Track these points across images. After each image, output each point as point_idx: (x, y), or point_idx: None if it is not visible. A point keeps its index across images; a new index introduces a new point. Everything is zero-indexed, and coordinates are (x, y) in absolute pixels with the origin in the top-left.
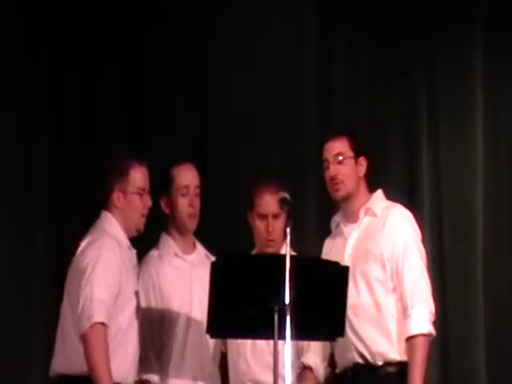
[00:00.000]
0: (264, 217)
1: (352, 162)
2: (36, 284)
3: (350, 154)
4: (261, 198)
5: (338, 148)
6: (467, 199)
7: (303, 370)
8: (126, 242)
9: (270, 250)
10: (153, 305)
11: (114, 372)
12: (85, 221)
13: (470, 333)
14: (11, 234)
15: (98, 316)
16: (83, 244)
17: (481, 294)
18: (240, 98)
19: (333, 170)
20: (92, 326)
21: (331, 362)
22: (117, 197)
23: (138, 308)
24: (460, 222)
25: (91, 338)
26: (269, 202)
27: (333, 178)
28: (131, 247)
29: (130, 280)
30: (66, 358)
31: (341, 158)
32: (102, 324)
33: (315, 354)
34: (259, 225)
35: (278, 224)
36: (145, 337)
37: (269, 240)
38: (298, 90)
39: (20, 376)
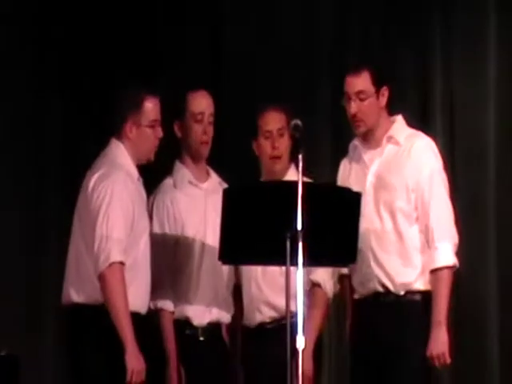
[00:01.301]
0: (269, 134)
1: (374, 97)
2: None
3: (372, 90)
4: (265, 115)
5: (360, 85)
6: (480, 129)
7: (312, 287)
8: (136, 173)
9: (277, 168)
10: (167, 232)
11: (130, 302)
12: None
13: (481, 263)
14: (23, 163)
15: (115, 255)
16: (95, 177)
17: (493, 224)
18: (255, 26)
19: (354, 107)
20: (110, 266)
21: (347, 287)
22: (129, 129)
23: (150, 238)
24: (472, 152)
25: (109, 278)
26: (273, 118)
27: (354, 115)
28: (140, 177)
29: (141, 212)
30: (82, 287)
31: (362, 95)
32: (120, 263)
33: (323, 270)
34: (264, 144)
35: (284, 141)
36: (159, 264)
37: (274, 157)
38: (314, 16)
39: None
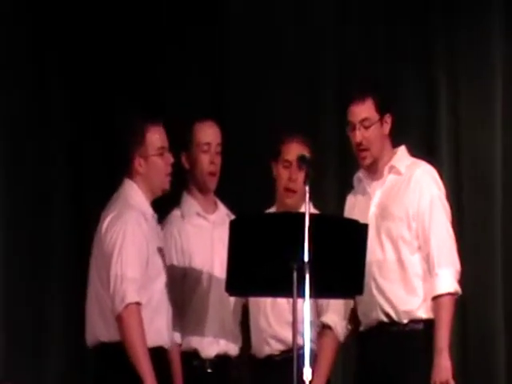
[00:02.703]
0: (289, 164)
1: (378, 124)
2: (54, 259)
3: (376, 117)
4: (288, 144)
5: (364, 113)
6: (486, 153)
7: (322, 329)
8: (150, 211)
9: (289, 201)
10: (175, 264)
11: (154, 337)
12: (103, 187)
13: (488, 287)
14: (29, 204)
15: (131, 296)
16: (108, 219)
17: (499, 248)
18: (257, 52)
19: (359, 135)
20: (126, 307)
21: (354, 320)
22: (138, 163)
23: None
24: (479, 177)
25: (126, 319)
26: (295, 149)
27: (359, 144)
28: (154, 214)
29: (157, 250)
30: (107, 327)
31: (366, 123)
32: (136, 303)
33: (335, 312)
34: (282, 172)
35: (301, 175)
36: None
37: (289, 189)
38: (315, 39)
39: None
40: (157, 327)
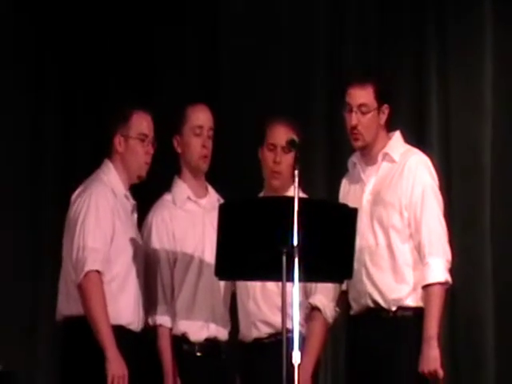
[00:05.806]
0: (273, 147)
1: (375, 112)
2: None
3: (374, 105)
4: (272, 128)
5: (363, 98)
6: (476, 140)
7: (311, 311)
8: (122, 190)
9: (276, 183)
10: (166, 248)
11: (116, 315)
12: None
13: (477, 277)
14: (21, 184)
15: (91, 264)
16: (76, 193)
17: (488, 237)
18: (252, 38)
19: (355, 119)
20: (86, 275)
21: (344, 303)
22: (118, 141)
23: (137, 255)
24: (468, 163)
25: (85, 287)
26: (280, 132)
27: (353, 128)
28: (129, 196)
29: (124, 229)
30: (70, 300)
31: (364, 109)
32: (96, 271)
33: (323, 294)
34: (268, 156)
35: (287, 158)
36: (157, 280)
37: (275, 171)
38: (310, 25)
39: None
40: (119, 306)
